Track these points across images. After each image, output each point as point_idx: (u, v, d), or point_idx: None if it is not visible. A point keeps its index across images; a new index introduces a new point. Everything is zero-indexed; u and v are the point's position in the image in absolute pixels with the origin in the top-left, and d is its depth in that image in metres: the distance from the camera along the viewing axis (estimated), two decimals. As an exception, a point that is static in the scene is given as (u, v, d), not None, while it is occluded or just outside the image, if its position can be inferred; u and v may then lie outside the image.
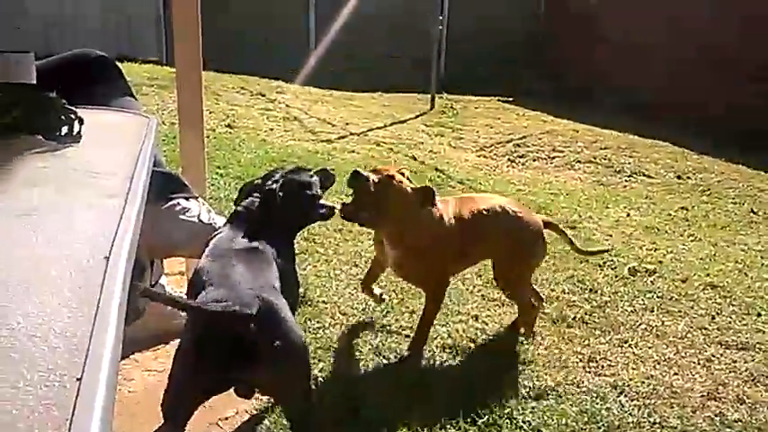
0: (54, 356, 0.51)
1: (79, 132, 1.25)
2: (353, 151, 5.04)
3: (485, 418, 1.83)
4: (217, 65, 6.46)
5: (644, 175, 5.20)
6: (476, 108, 7.80)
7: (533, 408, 1.93)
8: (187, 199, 2.05)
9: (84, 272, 0.67)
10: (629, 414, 1.95)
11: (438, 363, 2.14)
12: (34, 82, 1.35)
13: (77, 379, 0.47)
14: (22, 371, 0.49)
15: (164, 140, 4.18)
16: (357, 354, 2.13)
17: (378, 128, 6.17)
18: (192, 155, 2.51)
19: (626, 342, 2.40)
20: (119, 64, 2.22)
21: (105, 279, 0.65)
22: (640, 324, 2.54)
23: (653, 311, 2.66)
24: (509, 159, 5.53)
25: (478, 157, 5.56)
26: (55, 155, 1.14)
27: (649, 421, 1.93)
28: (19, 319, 0.56)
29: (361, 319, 2.34)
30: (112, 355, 0.52)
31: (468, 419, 1.83)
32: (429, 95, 7.55)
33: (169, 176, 2.06)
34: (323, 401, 1.86)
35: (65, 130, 1.24)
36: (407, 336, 2.27)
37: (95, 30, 8.64)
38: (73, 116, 1.26)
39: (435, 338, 2.26)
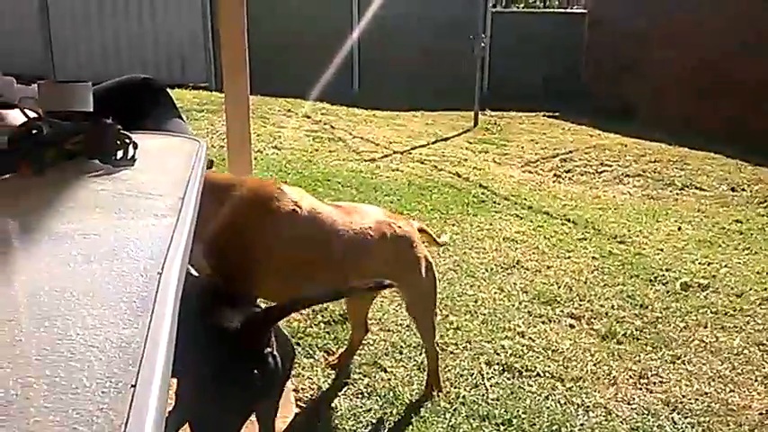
0: (110, 365, 0.54)
1: (133, 156, 1.32)
2: (397, 169, 5.08)
3: (532, 436, 1.82)
4: (263, 89, 6.64)
5: (696, 187, 5.07)
6: (520, 124, 7.77)
7: (582, 425, 1.90)
8: None
9: (139, 286, 0.71)
10: (683, 432, 1.90)
11: (485, 380, 2.12)
12: (92, 110, 1.42)
13: (132, 386, 0.51)
14: (81, 378, 0.52)
15: (214, 163, 4.30)
16: (401, 370, 2.14)
17: (421, 146, 6.20)
18: (240, 176, 2.57)
19: (678, 358, 2.34)
20: (168, 90, 2.30)
21: (158, 293, 0.69)
22: (693, 340, 2.47)
23: (707, 327, 2.59)
24: (555, 174, 5.48)
25: (524, 172, 5.52)
26: (111, 178, 1.20)
27: (704, 440, 1.87)
28: (78, 330, 0.60)
29: (404, 335, 2.35)
30: (165, 364, 0.55)
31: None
32: (472, 113, 7.55)
33: None
34: (369, 419, 1.88)
35: (120, 154, 1.30)
36: (452, 352, 2.27)
37: (148, 59, 8.99)
38: (128, 141, 1.32)
39: (482, 355, 2.25)
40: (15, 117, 1.55)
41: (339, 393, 2.00)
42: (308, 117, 6.82)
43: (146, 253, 0.82)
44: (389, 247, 1.80)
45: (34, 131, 1.23)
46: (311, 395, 1.99)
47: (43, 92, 1.50)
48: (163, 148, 1.54)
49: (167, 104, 2.21)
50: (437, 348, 2.02)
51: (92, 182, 1.18)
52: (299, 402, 1.97)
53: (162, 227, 0.93)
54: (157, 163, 1.37)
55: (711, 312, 2.72)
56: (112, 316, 0.64)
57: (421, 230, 2.01)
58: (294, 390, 2.03)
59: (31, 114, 1.43)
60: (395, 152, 5.80)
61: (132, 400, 0.49)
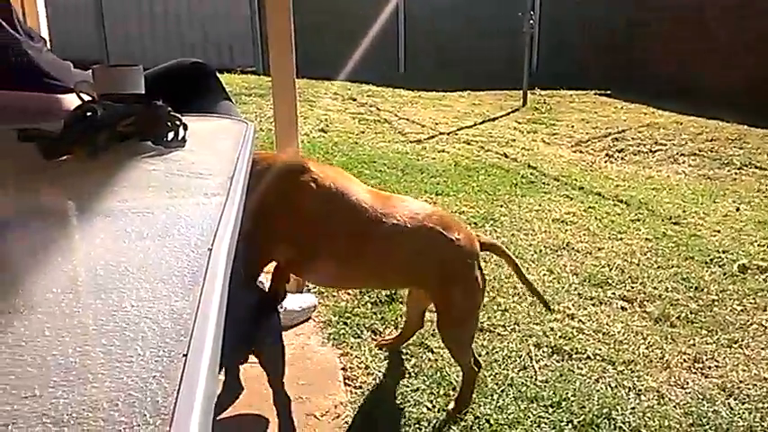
0: (163, 335, 0.56)
1: (184, 137, 1.34)
2: (443, 150, 5.05)
3: (581, 418, 1.79)
4: (309, 73, 6.67)
5: (755, 167, 4.86)
6: (570, 103, 7.59)
7: (633, 408, 1.86)
8: None
9: (190, 261, 0.73)
10: (740, 417, 1.84)
11: (533, 362, 2.10)
12: (144, 93, 1.45)
13: (184, 355, 0.52)
14: (135, 347, 0.54)
15: (261, 146, 4.36)
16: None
17: (468, 126, 6.14)
18: (287, 158, 2.60)
19: (735, 342, 2.27)
20: (218, 74, 2.33)
21: (208, 268, 0.71)
22: (751, 324, 2.39)
23: (766, 311, 2.49)
24: (607, 154, 5.34)
25: (574, 152, 5.40)
26: (162, 159, 1.23)
27: (762, 425, 1.81)
28: (133, 302, 0.62)
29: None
30: (215, 334, 0.56)
31: (564, 419, 1.80)
32: (521, 92, 7.42)
33: None
34: (415, 398, 1.89)
35: (171, 135, 1.33)
36: (499, 334, 2.25)
37: (197, 44, 9.15)
38: (178, 123, 1.35)
39: (531, 337, 2.23)
40: (72, 101, 1.60)
41: (386, 373, 2.01)
42: (354, 99, 6.82)
43: (196, 230, 0.84)
44: (427, 250, 1.70)
45: (88, 114, 1.27)
46: (358, 374, 2.01)
47: (97, 76, 1.54)
48: (212, 129, 1.57)
49: (217, 89, 2.24)
50: (473, 368, 1.86)
51: (144, 162, 1.21)
52: (346, 381, 1.99)
53: (212, 205, 0.95)
54: (207, 144, 1.40)
55: (771, 295, 2.62)
56: (165, 289, 0.66)
57: (490, 247, 1.91)
58: (342, 368, 2.05)
59: (86, 98, 1.47)
60: (441, 133, 5.75)
61: (184, 368, 0.50)
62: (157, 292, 0.65)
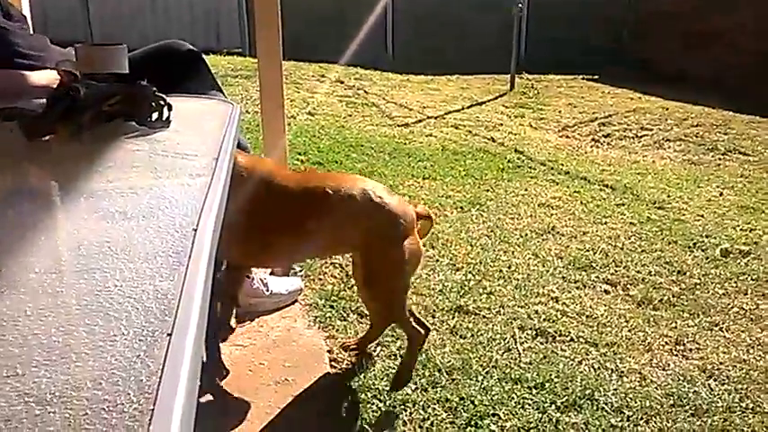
0: (147, 315, 0.56)
1: (169, 118, 1.33)
2: (431, 135, 5.04)
3: (564, 399, 1.82)
4: (296, 55, 6.61)
5: (739, 152, 4.91)
6: (558, 87, 7.60)
7: (615, 389, 1.89)
8: None
9: (175, 242, 0.72)
10: (719, 398, 1.88)
11: (517, 344, 2.12)
12: (128, 72, 1.44)
13: (168, 334, 0.52)
14: (119, 326, 0.54)
15: (248, 128, 4.33)
16: (434, 333, 2.15)
17: (456, 110, 6.13)
18: (274, 141, 2.59)
19: (716, 325, 2.30)
20: (204, 57, 2.30)
21: (193, 248, 0.70)
22: (732, 307, 2.43)
23: (746, 294, 2.53)
24: (593, 139, 5.36)
25: (561, 137, 5.42)
26: (147, 139, 1.22)
27: (741, 406, 1.84)
28: (117, 282, 0.62)
29: (437, 300, 2.35)
30: (200, 314, 0.56)
31: (547, 400, 1.82)
32: (508, 76, 7.41)
33: None
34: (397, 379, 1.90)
35: (155, 116, 1.32)
36: (485, 317, 2.27)
37: (184, 25, 9.04)
38: (163, 103, 1.33)
39: (515, 320, 2.25)
40: (49, 78, 1.58)
41: (372, 355, 2.02)
42: (342, 82, 6.78)
43: (181, 210, 0.84)
44: (355, 211, 1.73)
45: (71, 93, 1.25)
46: (344, 356, 2.02)
47: (80, 55, 1.52)
48: (197, 110, 1.55)
49: (204, 72, 2.21)
50: (416, 329, 1.85)
51: (128, 142, 1.20)
52: (332, 363, 2.00)
53: (197, 186, 0.94)
54: (192, 125, 1.39)
55: (752, 279, 2.66)
56: (149, 269, 0.65)
57: (424, 216, 1.89)
58: (328, 351, 2.06)
59: (68, 76, 1.45)
60: (429, 117, 5.74)
61: (168, 347, 0.50)
62: (141, 272, 0.65)
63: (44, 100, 1.27)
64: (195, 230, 0.76)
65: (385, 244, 1.75)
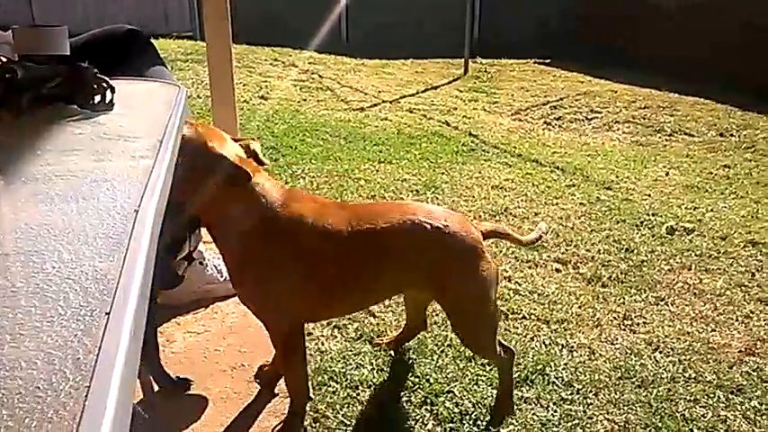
0: (86, 295, 0.55)
1: (111, 101, 1.30)
2: (386, 119, 5.04)
3: (517, 375, 1.85)
4: (249, 38, 6.51)
5: (685, 133, 5.06)
6: (511, 71, 7.68)
7: (566, 364, 1.95)
8: None
9: (116, 223, 0.71)
10: (664, 369, 1.95)
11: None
12: (68, 53, 1.39)
13: (106, 313, 0.51)
14: (56, 307, 0.53)
15: (199, 113, 4.25)
16: (390, 315, 2.17)
17: (410, 95, 6.14)
18: (225, 126, 2.54)
19: (662, 300, 2.38)
20: (152, 40, 2.25)
21: (134, 229, 0.69)
22: (677, 282, 2.52)
23: (691, 269, 2.63)
24: (545, 122, 5.45)
25: (514, 120, 5.49)
26: (89, 122, 1.19)
27: (684, 376, 1.92)
28: (54, 264, 0.61)
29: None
30: (140, 294, 0.55)
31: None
32: (462, 60, 7.45)
33: None
34: (358, 361, 1.92)
35: (98, 98, 1.29)
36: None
37: (130, 7, 8.78)
38: (105, 85, 1.30)
39: (468, 299, 2.28)
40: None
41: (328, 338, 2.03)
42: (296, 66, 6.71)
43: (123, 192, 0.82)
44: (424, 251, 1.52)
45: (8, 75, 1.21)
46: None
47: (17, 37, 1.46)
48: (142, 93, 1.52)
49: (152, 55, 2.16)
50: (504, 359, 1.69)
51: (69, 125, 1.16)
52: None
53: (140, 168, 0.93)
54: (136, 107, 1.36)
55: (696, 255, 2.76)
56: (88, 251, 0.64)
57: (494, 234, 1.70)
58: (284, 335, 2.06)
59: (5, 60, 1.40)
60: (383, 101, 5.74)
61: (106, 326, 0.49)
62: (80, 254, 0.64)
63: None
64: (137, 211, 0.74)
65: (457, 274, 1.55)
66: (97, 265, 0.61)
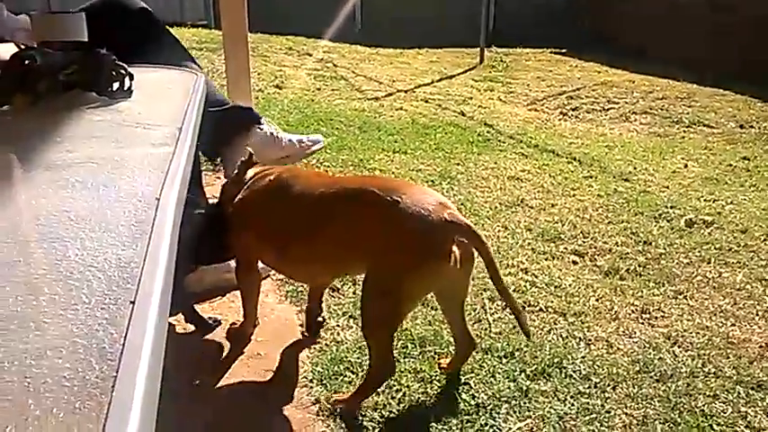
0: (110, 283, 0.54)
1: (130, 88, 1.29)
2: (401, 108, 5.01)
3: (533, 367, 1.84)
4: (264, 27, 6.49)
5: (704, 125, 4.99)
6: (527, 61, 7.61)
7: (583, 357, 1.93)
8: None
9: (138, 211, 0.70)
10: (683, 364, 1.92)
11: (487, 314, 2.14)
12: (86, 40, 1.39)
13: (131, 302, 0.50)
14: (80, 295, 0.52)
15: (214, 102, 4.25)
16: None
17: (425, 84, 6.10)
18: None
19: (681, 293, 2.35)
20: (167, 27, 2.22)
21: (156, 217, 0.69)
22: (696, 275, 2.48)
23: (710, 263, 2.59)
24: (561, 112, 5.40)
25: (529, 110, 5.44)
26: (108, 109, 1.18)
27: (703, 371, 1.89)
28: (77, 251, 0.60)
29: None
30: (164, 282, 0.54)
31: (517, 368, 1.85)
32: (478, 50, 7.39)
33: (250, 110, 2.12)
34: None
35: (116, 86, 1.28)
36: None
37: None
38: (124, 72, 1.29)
39: (486, 291, 2.27)
40: (7, 51, 1.52)
41: (344, 328, 2.02)
42: (310, 55, 6.69)
43: (143, 180, 0.82)
44: (363, 219, 1.55)
45: (26, 62, 1.21)
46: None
47: (36, 23, 1.46)
48: (161, 80, 1.51)
49: (171, 41, 2.14)
50: (380, 370, 1.63)
51: (88, 112, 1.16)
52: (304, 337, 2.00)
53: (160, 155, 0.92)
54: (155, 94, 1.35)
55: (715, 248, 2.72)
56: (111, 238, 0.64)
57: (472, 238, 1.53)
58: (300, 325, 2.06)
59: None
60: (398, 91, 5.71)
61: (131, 315, 0.49)
62: (103, 242, 0.63)
63: (-1, 70, 1.22)
64: (158, 200, 0.74)
65: (385, 251, 1.51)
66: (120, 252, 0.60)
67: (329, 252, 1.62)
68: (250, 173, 1.81)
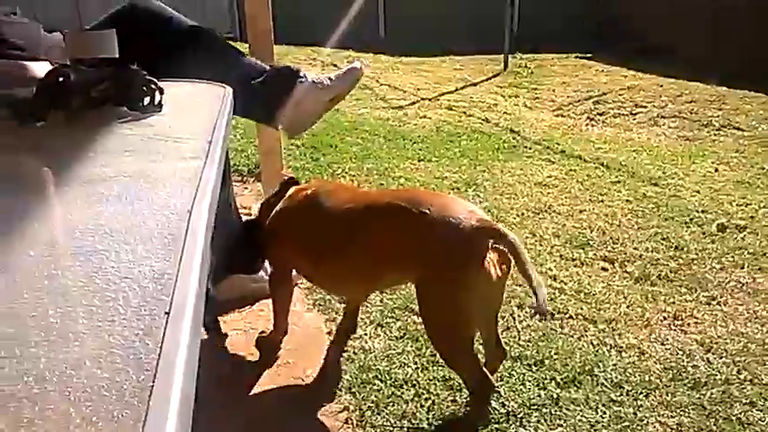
0: (144, 295, 0.55)
1: (160, 102, 1.32)
2: (425, 116, 5.02)
3: (564, 375, 1.82)
4: (289, 38, 6.56)
5: (734, 128, 4.90)
6: (551, 66, 7.57)
7: (615, 365, 1.90)
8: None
9: (170, 224, 0.72)
10: (717, 371, 1.89)
11: (516, 322, 2.13)
12: (117, 56, 1.42)
13: (166, 313, 0.52)
14: (116, 307, 0.53)
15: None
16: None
17: (449, 92, 6.10)
18: (265, 129, 2.57)
19: (714, 299, 2.31)
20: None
21: (189, 229, 0.70)
22: (729, 281, 2.44)
23: (743, 268, 2.54)
24: (588, 117, 5.35)
25: (556, 116, 5.40)
26: (139, 124, 1.21)
27: (739, 378, 1.86)
28: (113, 264, 0.62)
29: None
30: (197, 293, 0.56)
31: (547, 376, 1.83)
32: (502, 56, 7.37)
33: (288, 68, 2.13)
34: (401, 360, 1.91)
35: (147, 100, 1.31)
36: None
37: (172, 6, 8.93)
38: (154, 87, 1.32)
39: (514, 298, 2.25)
40: (42, 69, 1.56)
41: (372, 337, 2.03)
42: (335, 66, 6.73)
43: (175, 193, 0.83)
44: (398, 231, 1.54)
45: (61, 79, 1.24)
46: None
47: (69, 41, 1.50)
48: (189, 93, 1.54)
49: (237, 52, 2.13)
50: (479, 387, 1.59)
51: (120, 127, 1.19)
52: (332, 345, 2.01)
53: (190, 169, 0.94)
54: (185, 108, 1.37)
55: (749, 253, 2.67)
56: (145, 251, 0.65)
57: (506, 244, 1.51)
58: (328, 333, 2.07)
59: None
60: (422, 99, 5.72)
61: (166, 325, 0.50)
62: (138, 254, 0.64)
63: (33, 88, 1.26)
64: (190, 212, 0.75)
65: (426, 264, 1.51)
66: (154, 264, 0.61)
67: (363, 266, 1.64)
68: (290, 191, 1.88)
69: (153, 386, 0.43)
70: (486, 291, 1.54)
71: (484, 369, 1.58)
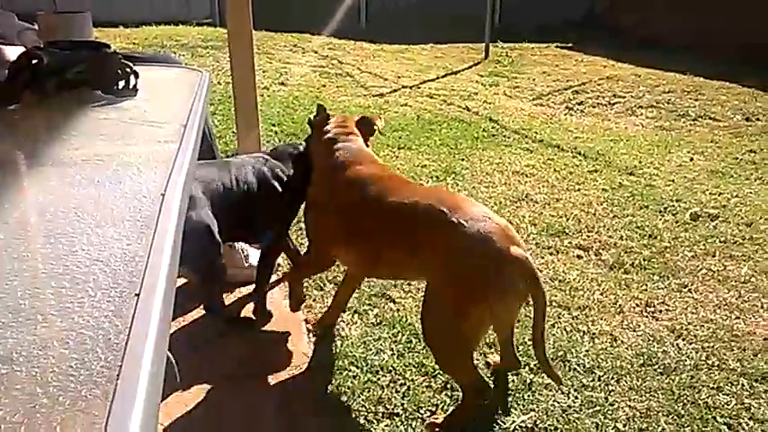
0: (115, 277, 0.55)
1: (135, 86, 1.31)
2: (406, 104, 5.02)
3: (537, 361, 1.85)
4: (269, 24, 6.50)
5: (710, 118, 4.97)
6: (532, 56, 7.60)
7: (587, 351, 1.93)
8: None
9: (143, 207, 0.72)
10: (687, 357, 1.93)
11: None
12: (91, 39, 1.41)
13: (136, 294, 0.52)
14: (86, 289, 0.54)
15: (219, 100, 4.27)
16: (410, 300, 2.17)
17: (430, 80, 6.10)
18: (246, 113, 2.56)
19: (685, 287, 2.35)
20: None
21: (161, 213, 0.70)
22: (701, 269, 2.48)
23: (715, 256, 2.59)
24: (567, 107, 5.39)
25: (535, 105, 5.43)
26: (114, 107, 1.20)
27: (707, 363, 1.90)
28: (84, 246, 0.62)
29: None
30: (168, 275, 0.56)
31: (522, 362, 1.85)
32: (483, 45, 7.38)
33: None
34: (378, 347, 1.92)
35: (122, 84, 1.30)
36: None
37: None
38: (129, 71, 1.31)
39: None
40: (16, 52, 1.54)
41: (349, 323, 2.04)
42: (315, 52, 6.70)
43: (149, 176, 0.83)
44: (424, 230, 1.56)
45: (34, 61, 1.22)
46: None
47: (42, 23, 1.48)
48: (165, 78, 1.53)
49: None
50: (476, 390, 1.59)
51: (95, 110, 1.18)
52: (309, 332, 2.02)
53: (165, 152, 0.94)
54: (160, 93, 1.37)
55: (720, 242, 2.72)
56: (117, 233, 0.65)
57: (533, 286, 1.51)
58: (305, 320, 2.07)
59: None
60: (404, 87, 5.71)
61: (136, 307, 0.50)
62: (109, 237, 0.64)
63: (6, 71, 1.24)
64: (163, 195, 0.75)
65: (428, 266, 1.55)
66: (125, 247, 0.61)
67: (396, 258, 1.64)
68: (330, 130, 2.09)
69: (121, 366, 0.43)
70: (500, 317, 1.57)
71: (480, 374, 1.60)
